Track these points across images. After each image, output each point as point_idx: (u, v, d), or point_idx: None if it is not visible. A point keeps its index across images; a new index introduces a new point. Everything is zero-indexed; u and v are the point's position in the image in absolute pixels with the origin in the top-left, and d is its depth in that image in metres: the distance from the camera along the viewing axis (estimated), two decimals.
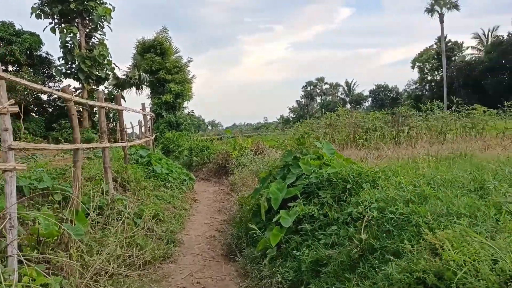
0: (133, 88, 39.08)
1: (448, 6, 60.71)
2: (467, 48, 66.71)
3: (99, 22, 33.04)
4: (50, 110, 36.06)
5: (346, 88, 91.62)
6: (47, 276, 4.62)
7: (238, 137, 21.21)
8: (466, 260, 3.01)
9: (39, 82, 30.97)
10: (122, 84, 38.32)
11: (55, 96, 30.06)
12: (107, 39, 33.85)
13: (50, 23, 32.11)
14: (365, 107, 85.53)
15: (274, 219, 5.88)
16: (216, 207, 11.56)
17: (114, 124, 30.47)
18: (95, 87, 34.11)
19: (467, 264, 2.97)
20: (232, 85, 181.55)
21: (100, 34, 33.85)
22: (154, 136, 20.35)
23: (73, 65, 32.63)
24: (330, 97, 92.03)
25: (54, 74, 34.62)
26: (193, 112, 39.70)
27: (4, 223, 4.51)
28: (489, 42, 62.70)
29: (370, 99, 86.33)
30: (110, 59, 33.92)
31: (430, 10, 61.85)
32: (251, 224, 6.25)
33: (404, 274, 3.36)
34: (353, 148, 14.23)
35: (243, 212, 8.34)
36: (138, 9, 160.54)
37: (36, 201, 6.88)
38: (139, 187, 9.66)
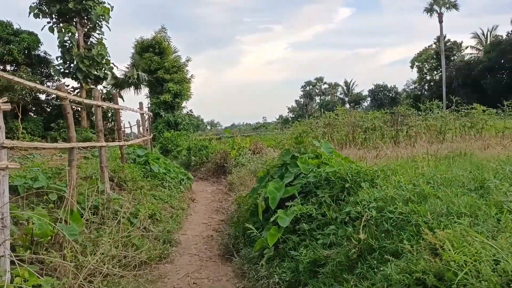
0: (132, 88, 38.99)
1: (447, 5, 60.64)
2: (466, 47, 66.71)
3: (97, 21, 32.90)
4: (49, 109, 35.89)
5: (345, 88, 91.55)
6: (40, 277, 4.55)
7: (236, 136, 21.15)
8: (467, 260, 2.93)
9: (38, 82, 30.87)
10: (120, 84, 38.21)
11: (54, 95, 30.08)
12: (106, 39, 33.75)
13: (48, 23, 32.00)
14: (364, 107, 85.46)
15: (272, 219, 5.80)
16: (214, 207, 11.48)
17: (113, 123, 30.39)
18: (94, 86, 33.95)
19: (468, 264, 2.90)
20: (231, 85, 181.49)
21: (98, 34, 33.71)
22: (152, 135, 20.26)
23: (72, 65, 32.48)
24: (329, 97, 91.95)
25: (53, 73, 34.41)
26: (192, 112, 39.60)
27: None
28: (488, 42, 62.63)
29: (369, 99, 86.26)
30: (109, 58, 33.78)
31: (429, 10, 61.79)
32: (248, 224, 6.18)
33: (403, 275, 3.29)
34: (352, 148, 14.15)
35: (240, 212, 8.27)
36: (138, 9, 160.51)
37: (31, 200, 6.81)
38: (136, 187, 9.58)
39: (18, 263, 4.35)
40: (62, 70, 32.85)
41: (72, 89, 33.55)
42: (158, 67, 35.79)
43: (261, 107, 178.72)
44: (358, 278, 3.92)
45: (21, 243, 5.30)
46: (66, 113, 6.77)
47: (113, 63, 34.59)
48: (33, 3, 31.52)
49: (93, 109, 31.84)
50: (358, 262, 4.09)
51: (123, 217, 6.86)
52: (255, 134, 38.17)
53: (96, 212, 6.90)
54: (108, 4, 33.13)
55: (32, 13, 31.48)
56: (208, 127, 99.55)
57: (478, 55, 62.67)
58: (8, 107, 4.64)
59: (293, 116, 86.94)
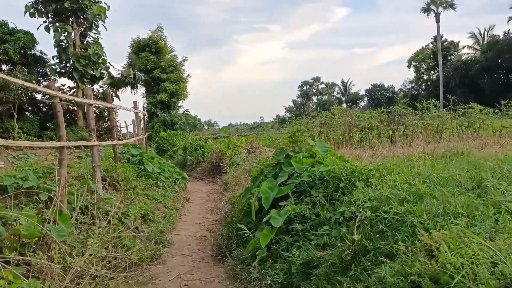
0: (128, 87, 38.87)
1: (444, 5, 60.63)
2: (463, 47, 66.68)
3: (93, 21, 32.74)
4: (45, 109, 35.73)
5: (342, 87, 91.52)
6: (26, 279, 4.42)
7: (233, 136, 21.02)
8: (463, 263, 2.82)
9: (34, 81, 30.71)
10: (117, 83, 38.08)
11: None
12: (102, 38, 33.63)
13: (44, 22, 31.77)
14: (361, 106, 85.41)
15: (265, 219, 5.69)
16: (208, 207, 11.35)
17: (109, 123, 30.24)
18: (90, 86, 33.80)
19: (465, 267, 2.79)
20: (228, 85, 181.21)
21: (94, 33, 33.53)
22: (147, 134, 20.13)
23: (68, 64, 32.31)
24: (326, 96, 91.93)
25: (49, 73, 34.21)
26: (188, 111, 39.49)
27: None
28: (485, 42, 62.64)
29: (366, 98, 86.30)
30: (105, 58, 33.60)
31: (426, 10, 61.75)
32: (240, 224, 6.06)
33: (398, 277, 3.18)
34: (349, 147, 14.04)
35: (234, 212, 8.14)
36: (136, 9, 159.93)
37: (20, 200, 6.68)
38: (129, 187, 9.45)
39: (2, 265, 4.22)
40: (58, 69, 32.66)
41: (68, 89, 33.40)
42: (154, 67, 35.66)
43: (259, 107, 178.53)
44: (351, 280, 3.81)
45: (10, 244, 5.18)
46: (56, 111, 6.63)
47: (109, 63, 34.44)
48: (29, 2, 31.32)
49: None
50: (352, 264, 3.97)
51: (114, 218, 6.73)
52: (252, 134, 38.06)
53: (86, 212, 6.76)
54: (105, 3, 32.99)
55: (27, 12, 31.28)
56: (205, 127, 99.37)
57: (475, 54, 62.67)
58: None
59: (290, 115, 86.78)
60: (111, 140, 10.78)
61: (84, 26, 33.19)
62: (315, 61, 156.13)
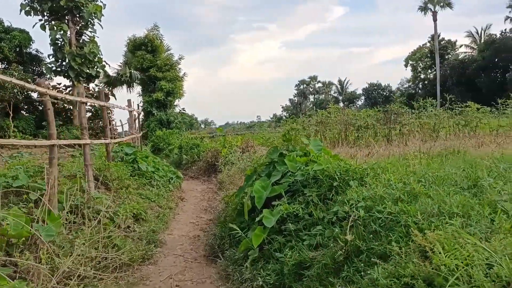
0: (124, 86, 38.72)
1: (441, 4, 60.58)
2: (461, 46, 66.62)
3: (89, 19, 32.56)
4: (41, 108, 35.58)
5: (339, 86, 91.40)
6: (12, 280, 4.32)
7: (229, 135, 20.93)
8: (458, 264, 2.73)
9: (29, 80, 30.56)
10: (113, 82, 37.93)
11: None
12: (98, 37, 33.39)
13: (40, 20, 31.58)
14: (358, 105, 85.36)
15: (257, 219, 5.59)
16: (203, 206, 11.25)
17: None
18: (86, 85, 33.66)
19: (459, 269, 2.70)
20: (226, 84, 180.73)
21: (90, 32, 33.35)
22: (141, 133, 20.01)
23: (64, 63, 32.13)
24: (323, 95, 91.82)
25: (45, 71, 34.04)
26: (185, 110, 39.37)
27: None
28: (482, 41, 62.61)
29: (363, 97, 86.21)
30: (101, 56, 33.42)
31: (424, 8, 61.72)
32: (232, 224, 5.97)
33: (391, 279, 3.09)
34: (345, 146, 13.97)
35: (227, 211, 8.04)
36: (133, 8, 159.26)
37: (10, 199, 6.58)
38: (121, 186, 9.34)
39: None
40: (54, 68, 32.47)
41: (64, 87, 33.23)
42: (150, 65, 35.54)
43: (256, 106, 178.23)
44: (344, 282, 3.72)
45: None
46: (47, 109, 6.53)
47: (105, 61, 34.24)
48: (25, 0, 31.12)
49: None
50: (344, 265, 3.89)
51: (105, 217, 6.63)
52: (248, 133, 38.01)
53: (77, 212, 6.64)
54: (101, 2, 32.84)
55: (23, 11, 31.08)
56: (202, 126, 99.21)
57: (472, 53, 62.66)
58: None
59: (287, 115, 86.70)
60: (104, 139, 10.67)
61: (80, 25, 33.03)
62: (312, 60, 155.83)
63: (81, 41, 33.18)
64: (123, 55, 39.35)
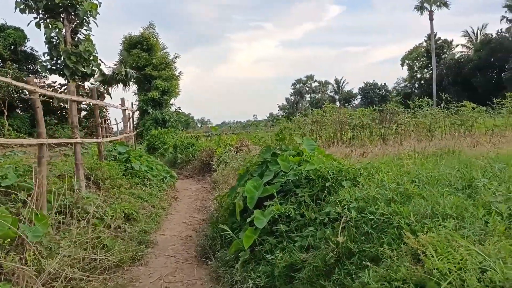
0: (120, 85, 38.59)
1: (438, 3, 60.63)
2: (457, 46, 66.71)
3: (84, 17, 32.40)
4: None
5: (335, 85, 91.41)
6: None
7: (225, 134, 20.82)
8: (451, 268, 2.64)
9: (24, 78, 30.35)
10: (108, 81, 37.80)
11: (40, 92, 29.45)
12: (93, 35, 33.25)
13: (35, 18, 31.40)
14: (354, 104, 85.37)
15: (248, 220, 5.49)
16: (196, 206, 11.14)
17: (100, 120, 29.97)
18: (81, 83, 33.49)
19: (452, 273, 2.61)
20: (222, 83, 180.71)
21: (86, 30, 33.19)
22: (135, 132, 19.89)
23: (59, 61, 31.96)
24: (320, 94, 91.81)
25: (39, 70, 33.89)
26: (180, 109, 39.29)
27: None
28: (478, 40, 62.69)
29: (359, 97, 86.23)
30: (96, 55, 33.29)
31: (420, 8, 61.74)
32: (223, 225, 5.87)
33: (382, 283, 3.00)
34: (340, 145, 13.89)
35: (220, 211, 7.93)
36: (130, 7, 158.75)
37: None
38: (113, 185, 9.22)
39: None
40: (49, 66, 32.33)
41: (59, 86, 33.05)
42: (146, 64, 35.44)
43: (252, 105, 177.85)
44: (335, 285, 3.63)
45: None
46: (36, 107, 6.43)
47: (100, 60, 34.14)
48: None
49: (81, 106, 31.58)
50: (335, 268, 3.79)
51: (95, 217, 6.52)
52: (244, 132, 37.92)
53: (66, 212, 6.53)
54: (96, 0, 32.63)
55: (18, 8, 30.89)
56: (199, 125, 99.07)
57: (469, 53, 62.74)
58: None
59: (284, 114, 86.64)
60: (96, 138, 10.55)
61: (75, 23, 32.87)
62: (309, 59, 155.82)
63: (76, 39, 33.02)
64: (118, 53, 39.31)
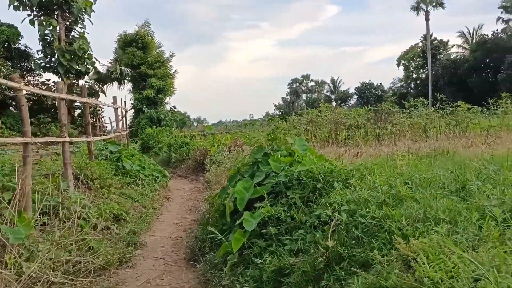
0: (115, 83, 38.38)
1: (434, 4, 60.65)
2: (452, 46, 66.82)
3: (79, 15, 32.17)
4: (29, 104, 35.17)
5: (331, 85, 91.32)
6: None
7: (220, 133, 20.69)
8: (443, 277, 2.52)
9: (18, 76, 30.12)
10: (103, 79, 37.59)
11: (33, 90, 29.20)
12: (88, 33, 33.02)
13: (29, 15, 31.13)
14: (350, 104, 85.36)
15: (238, 222, 5.36)
16: (188, 206, 11.00)
17: (94, 119, 29.82)
18: (75, 81, 33.27)
19: (444, 282, 2.48)
20: (219, 82, 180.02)
21: (80, 27, 32.96)
22: (128, 131, 19.72)
23: (53, 59, 31.72)
24: (316, 94, 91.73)
25: (33, 67, 33.64)
26: (175, 108, 39.12)
27: None
28: (474, 41, 62.78)
29: (355, 96, 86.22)
30: (91, 53, 33.07)
31: (416, 8, 61.75)
32: (211, 227, 5.72)
33: None
34: (334, 145, 13.79)
35: (211, 212, 7.79)
36: (126, 5, 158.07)
37: None
38: (103, 185, 9.07)
39: None
40: (43, 64, 32.09)
41: (53, 84, 32.82)
42: (141, 62, 35.26)
43: (249, 104, 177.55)
44: None
45: None
46: (20, 105, 6.27)
47: (95, 58, 33.89)
48: None
49: (75, 104, 31.37)
50: (325, 273, 3.66)
51: (82, 218, 6.38)
52: (240, 131, 37.85)
53: (51, 213, 6.38)
54: None
55: (12, 5, 30.63)
56: (195, 124, 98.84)
57: (464, 54, 62.83)
58: None
59: (280, 113, 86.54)
60: (86, 136, 10.39)
61: (70, 20, 32.62)
62: (306, 59, 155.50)
63: (70, 37, 32.77)
64: (113, 51, 39.11)
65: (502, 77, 49.49)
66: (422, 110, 17.02)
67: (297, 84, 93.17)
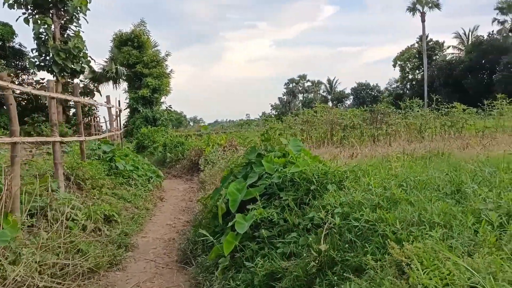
0: (110, 82, 38.20)
1: (430, 5, 60.72)
2: (448, 47, 66.98)
3: (74, 13, 31.97)
4: (24, 103, 34.92)
5: (328, 85, 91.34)
6: None
7: (217, 133, 20.59)
8: (437, 284, 2.43)
9: (12, 75, 29.98)
10: (98, 78, 37.41)
11: (30, 88, 28.97)
12: (83, 32, 32.82)
13: (24, 13, 30.88)
14: (346, 105, 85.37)
15: (230, 224, 5.26)
16: (182, 207, 10.89)
17: (89, 118, 29.65)
18: (70, 80, 33.08)
19: None
20: (216, 82, 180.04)
21: (75, 26, 32.74)
22: (122, 130, 19.58)
23: (47, 57, 31.51)
24: (312, 94, 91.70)
25: (28, 66, 33.41)
26: (171, 107, 38.95)
27: None
28: (469, 42, 62.93)
29: (351, 97, 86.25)
30: (86, 52, 32.86)
31: (412, 9, 61.79)
32: (203, 230, 5.63)
33: None
34: (330, 146, 13.71)
35: (204, 214, 7.69)
36: (122, 3, 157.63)
37: None
38: (95, 185, 8.95)
39: None
40: (37, 63, 31.86)
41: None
42: (136, 61, 35.09)
43: (249, 104, 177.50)
44: None
45: None
46: (9, 104, 6.15)
47: (90, 57, 33.70)
48: None
49: (70, 103, 31.17)
50: (317, 278, 3.57)
51: (72, 219, 6.26)
52: (236, 131, 37.73)
53: (39, 214, 6.25)
54: None
55: (6, 3, 30.42)
56: (191, 124, 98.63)
57: (460, 55, 62.96)
58: None
59: (276, 113, 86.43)
60: (78, 136, 10.27)
61: (65, 19, 32.40)
62: (303, 59, 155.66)
63: (65, 35, 32.56)
64: (109, 50, 38.91)
65: (498, 78, 49.60)
66: (418, 111, 16.99)
67: (294, 84, 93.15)
